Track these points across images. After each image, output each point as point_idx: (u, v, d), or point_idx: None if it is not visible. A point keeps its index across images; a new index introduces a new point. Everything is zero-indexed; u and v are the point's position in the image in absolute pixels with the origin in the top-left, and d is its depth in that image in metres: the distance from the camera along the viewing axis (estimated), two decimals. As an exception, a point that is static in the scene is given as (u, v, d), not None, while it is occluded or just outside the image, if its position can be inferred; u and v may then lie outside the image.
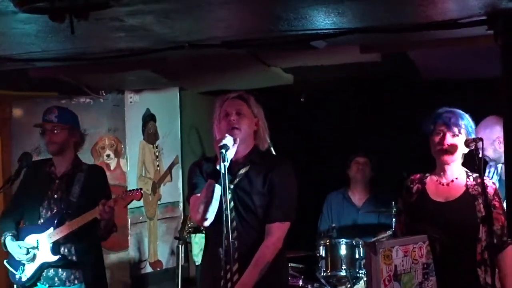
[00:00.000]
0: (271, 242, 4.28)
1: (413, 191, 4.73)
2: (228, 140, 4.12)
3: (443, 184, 4.66)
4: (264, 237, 4.30)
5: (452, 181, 4.63)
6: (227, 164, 4.00)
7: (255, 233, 4.30)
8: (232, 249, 3.95)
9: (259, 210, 4.31)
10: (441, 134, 4.58)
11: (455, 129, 4.55)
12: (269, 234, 4.29)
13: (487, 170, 5.81)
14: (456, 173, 4.64)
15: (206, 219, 4.25)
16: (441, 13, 4.34)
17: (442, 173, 4.67)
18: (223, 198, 3.96)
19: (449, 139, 4.55)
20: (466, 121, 4.60)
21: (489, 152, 5.72)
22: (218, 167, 4.06)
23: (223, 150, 4.03)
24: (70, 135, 5.44)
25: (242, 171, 4.34)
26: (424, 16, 4.44)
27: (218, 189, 4.14)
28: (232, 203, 4.27)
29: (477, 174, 4.58)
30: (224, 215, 3.92)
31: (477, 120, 5.57)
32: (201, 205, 4.21)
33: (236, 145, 4.21)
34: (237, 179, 4.32)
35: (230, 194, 4.21)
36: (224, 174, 3.95)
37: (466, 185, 4.59)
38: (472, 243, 4.47)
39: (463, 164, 4.68)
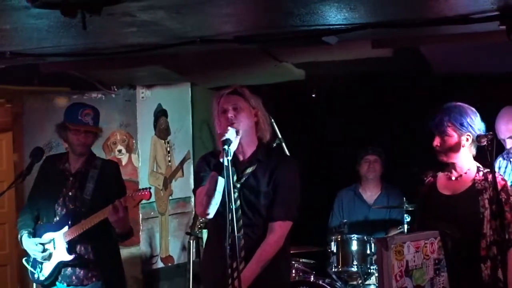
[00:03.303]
0: (273, 240, 4.30)
1: (425, 184, 4.77)
2: (230, 133, 4.13)
3: (452, 179, 4.68)
4: None
5: (461, 175, 4.65)
6: (230, 158, 4.01)
7: (260, 232, 4.33)
8: (238, 243, 3.95)
9: (264, 209, 4.34)
10: (434, 137, 4.63)
11: (440, 129, 4.58)
12: (271, 232, 4.31)
13: (502, 161, 5.79)
14: (465, 167, 4.65)
15: (208, 212, 4.27)
16: (453, 8, 4.32)
17: (451, 168, 4.69)
18: (226, 192, 3.94)
19: (436, 141, 4.62)
20: (455, 114, 4.59)
21: (508, 145, 5.72)
22: (221, 160, 4.06)
23: (226, 146, 4.04)
24: (96, 136, 5.51)
25: (249, 170, 4.36)
26: (436, 11, 4.43)
27: (221, 181, 4.15)
28: (238, 202, 4.29)
29: (488, 170, 4.57)
30: (228, 208, 3.89)
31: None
32: (204, 197, 4.23)
33: (238, 137, 4.21)
34: (244, 178, 4.34)
35: (236, 193, 4.24)
36: (227, 167, 3.95)
37: (474, 179, 4.60)
38: (475, 238, 4.47)
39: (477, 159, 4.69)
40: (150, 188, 5.34)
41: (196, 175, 4.55)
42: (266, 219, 4.32)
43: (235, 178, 4.27)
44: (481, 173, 4.60)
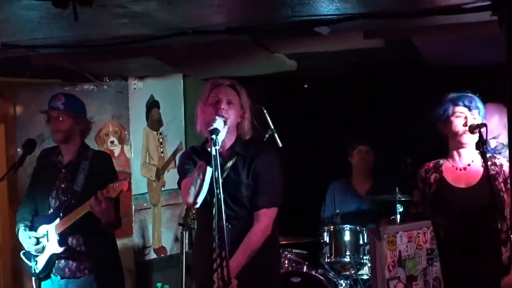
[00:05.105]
0: (259, 229, 4.33)
1: (431, 181, 4.75)
2: (218, 123, 4.16)
3: (460, 169, 4.70)
4: None
5: (469, 165, 4.69)
6: (218, 147, 4.03)
7: (246, 223, 4.36)
8: (226, 233, 3.94)
9: (247, 200, 4.37)
10: (463, 116, 4.64)
11: (475, 112, 4.62)
12: (257, 221, 4.34)
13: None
14: (471, 156, 4.69)
15: (196, 201, 4.28)
16: (445, -2, 4.33)
17: (458, 157, 4.71)
18: (214, 181, 3.96)
19: (471, 121, 4.63)
20: (465, 96, 4.67)
21: (492, 145, 5.72)
22: (209, 150, 4.08)
23: (214, 135, 4.06)
24: (76, 123, 5.41)
25: (229, 164, 4.39)
26: (428, 2, 4.43)
27: (209, 171, 4.16)
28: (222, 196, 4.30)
29: (490, 155, 4.63)
30: (216, 199, 3.93)
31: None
32: (192, 186, 4.24)
33: (226, 127, 4.24)
34: (225, 173, 4.35)
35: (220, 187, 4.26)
36: (215, 157, 3.96)
37: (483, 166, 4.62)
38: (497, 224, 4.49)
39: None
40: (128, 179, 5.43)
41: (180, 168, 4.56)
42: (251, 210, 4.35)
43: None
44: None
